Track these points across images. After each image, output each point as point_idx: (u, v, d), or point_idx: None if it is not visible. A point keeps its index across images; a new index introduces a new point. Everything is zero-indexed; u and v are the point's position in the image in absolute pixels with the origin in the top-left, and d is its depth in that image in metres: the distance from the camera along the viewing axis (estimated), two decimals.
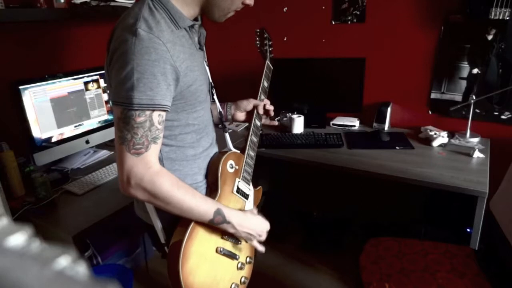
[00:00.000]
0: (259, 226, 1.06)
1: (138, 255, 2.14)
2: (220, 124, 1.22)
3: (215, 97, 1.19)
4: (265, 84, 1.29)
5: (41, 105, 1.63)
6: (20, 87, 1.55)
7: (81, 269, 0.23)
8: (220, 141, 1.19)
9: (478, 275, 1.23)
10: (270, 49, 1.36)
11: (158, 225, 1.02)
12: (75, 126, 1.80)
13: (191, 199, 0.90)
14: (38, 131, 1.63)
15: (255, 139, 1.20)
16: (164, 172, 0.88)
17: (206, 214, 0.93)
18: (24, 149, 1.64)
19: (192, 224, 0.95)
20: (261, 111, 1.24)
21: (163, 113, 0.87)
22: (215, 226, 0.98)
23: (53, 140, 1.71)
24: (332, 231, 2.36)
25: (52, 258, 0.22)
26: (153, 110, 0.84)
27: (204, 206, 0.92)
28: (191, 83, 0.92)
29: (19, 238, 0.22)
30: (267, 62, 1.33)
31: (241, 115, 1.29)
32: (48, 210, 1.44)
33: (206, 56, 1.17)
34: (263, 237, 1.09)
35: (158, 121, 0.86)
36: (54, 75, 1.69)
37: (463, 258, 1.31)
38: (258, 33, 1.36)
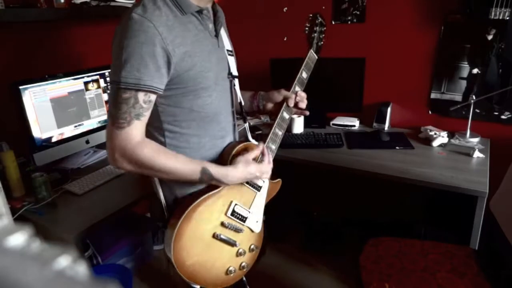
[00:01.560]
0: (251, 173, 1.04)
1: (138, 255, 2.14)
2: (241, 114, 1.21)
3: (236, 87, 1.14)
4: (304, 75, 1.19)
5: (41, 105, 1.63)
6: (20, 87, 1.55)
7: (81, 269, 0.23)
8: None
9: (478, 275, 1.23)
10: (321, 36, 1.24)
11: (162, 200, 1.07)
12: (75, 126, 1.80)
13: (174, 162, 0.94)
14: (38, 131, 1.63)
15: (279, 132, 1.15)
16: (146, 141, 0.93)
17: (193, 174, 0.96)
18: (24, 149, 1.64)
19: (191, 207, 0.99)
20: (291, 104, 1.16)
21: (152, 95, 0.90)
22: (215, 209, 1.03)
23: (53, 140, 1.71)
24: (332, 231, 2.36)
25: (52, 258, 0.22)
26: (139, 90, 0.87)
27: (189, 167, 0.96)
28: (188, 68, 0.93)
29: (19, 238, 0.22)
30: (311, 51, 1.22)
31: (270, 106, 1.24)
32: (48, 210, 1.44)
33: (232, 47, 1.14)
34: (267, 174, 1.09)
35: (143, 100, 0.89)
36: (54, 75, 1.69)
37: (463, 258, 1.31)
38: (310, 18, 1.24)
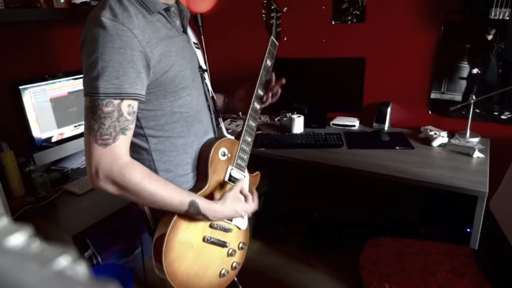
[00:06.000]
0: (237, 212, 1.03)
1: (137, 255, 2.14)
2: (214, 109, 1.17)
3: (207, 81, 1.11)
4: (268, 62, 1.18)
5: (41, 105, 1.63)
6: (20, 87, 1.55)
7: (81, 269, 0.23)
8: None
9: (478, 275, 1.23)
10: (278, 22, 1.23)
11: (147, 211, 1.02)
12: (75, 126, 1.80)
13: (163, 191, 0.88)
14: (38, 131, 1.63)
15: (253, 124, 1.15)
16: (135, 164, 0.86)
17: (180, 206, 0.91)
18: (24, 149, 1.64)
19: (177, 215, 0.95)
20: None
21: (134, 103, 0.84)
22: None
23: (53, 140, 1.71)
24: (332, 231, 2.36)
25: (52, 258, 0.22)
26: (122, 99, 0.81)
27: (177, 199, 0.91)
28: (166, 69, 0.89)
29: (19, 238, 0.22)
30: (272, 37, 1.21)
31: (241, 105, 1.23)
32: (48, 210, 1.44)
33: (197, 40, 1.12)
34: (248, 213, 1.09)
35: (127, 111, 0.83)
36: (54, 75, 1.69)
37: (463, 258, 1.31)
38: (264, 4, 1.23)
